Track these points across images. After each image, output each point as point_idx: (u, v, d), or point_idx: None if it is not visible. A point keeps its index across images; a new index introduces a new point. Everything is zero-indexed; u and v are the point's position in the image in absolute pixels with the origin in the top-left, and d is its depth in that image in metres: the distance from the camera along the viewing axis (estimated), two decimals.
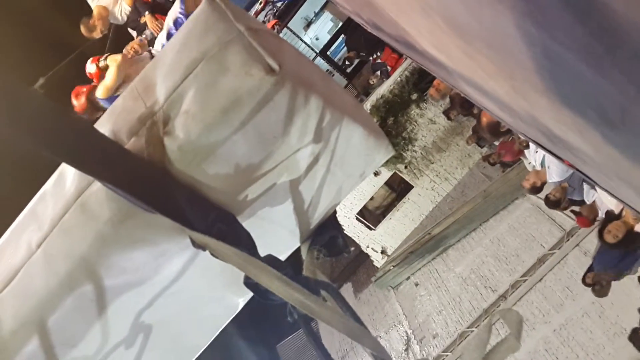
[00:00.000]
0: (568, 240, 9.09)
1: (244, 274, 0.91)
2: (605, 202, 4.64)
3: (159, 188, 0.86)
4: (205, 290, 1.16)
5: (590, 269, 5.27)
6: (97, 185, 0.88)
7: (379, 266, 12.82)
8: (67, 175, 0.94)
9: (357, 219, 12.60)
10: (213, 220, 0.92)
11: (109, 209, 0.86)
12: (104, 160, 0.84)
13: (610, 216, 4.36)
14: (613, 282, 6.27)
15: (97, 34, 4.91)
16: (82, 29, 4.85)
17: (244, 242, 0.94)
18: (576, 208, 5.62)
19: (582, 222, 5.36)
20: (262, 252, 0.98)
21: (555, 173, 5.14)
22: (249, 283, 0.92)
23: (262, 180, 0.98)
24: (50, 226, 0.91)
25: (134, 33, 5.46)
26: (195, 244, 0.92)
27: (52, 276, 0.89)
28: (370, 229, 12.72)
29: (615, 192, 1.43)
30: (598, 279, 5.03)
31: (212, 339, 1.33)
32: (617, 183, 1.22)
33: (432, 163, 12.04)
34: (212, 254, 0.91)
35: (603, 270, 4.77)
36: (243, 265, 0.89)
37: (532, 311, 8.99)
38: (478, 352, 0.87)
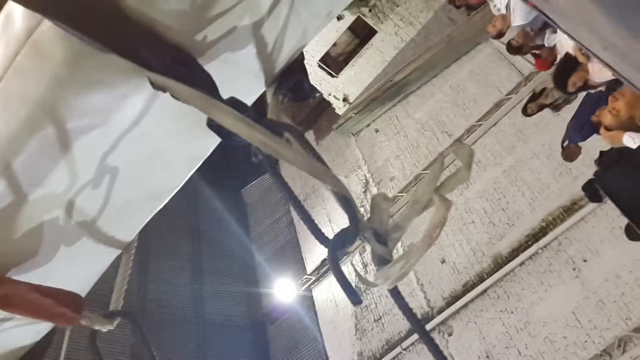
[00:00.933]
0: (525, 85, 9.29)
1: (207, 116, 0.92)
2: (565, 46, 4.68)
3: (110, 25, 0.82)
4: (172, 133, 1.16)
5: (532, 98, 5.47)
6: (47, 24, 0.82)
7: (340, 114, 12.96)
8: (15, 14, 0.87)
9: (320, 65, 12.40)
10: (171, 61, 0.90)
11: (62, 48, 0.82)
12: None
13: (569, 60, 4.42)
14: (563, 122, 6.61)
15: None
16: None
17: (205, 85, 0.93)
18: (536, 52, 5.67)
19: (540, 64, 5.45)
20: (226, 96, 0.97)
21: (519, 16, 5.09)
22: (212, 125, 0.93)
23: (222, 21, 0.94)
24: (3, 68, 0.87)
25: None
26: (154, 85, 0.90)
27: (12, 119, 0.88)
28: (333, 76, 12.61)
29: (575, 34, 1.44)
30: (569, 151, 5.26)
31: (184, 181, 1.37)
32: (577, 25, 1.23)
33: (397, 6, 11.62)
34: (172, 96, 0.90)
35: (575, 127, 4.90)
36: (205, 107, 0.88)
37: (484, 154, 9.46)
38: (430, 185, 0.93)
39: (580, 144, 4.88)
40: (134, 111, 0.98)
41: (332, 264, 0.94)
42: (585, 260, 7.38)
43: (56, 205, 1.06)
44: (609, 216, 7.08)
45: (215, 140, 1.22)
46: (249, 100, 1.18)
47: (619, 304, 6.77)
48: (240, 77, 1.11)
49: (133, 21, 0.83)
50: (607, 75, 4.02)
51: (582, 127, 4.35)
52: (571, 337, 7.06)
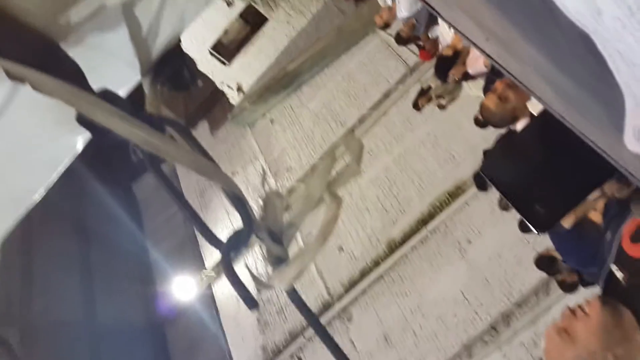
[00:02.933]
0: (411, 75, 9.70)
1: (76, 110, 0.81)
2: (446, 37, 4.94)
3: None
4: (35, 129, 1.03)
5: (421, 94, 5.75)
6: None
7: (234, 103, 12.74)
8: None
9: (211, 53, 12.07)
10: (29, 48, 0.79)
11: None
12: None
13: (451, 54, 4.65)
14: (446, 112, 6.96)
15: None
16: None
17: (71, 74, 0.82)
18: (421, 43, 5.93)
19: (424, 55, 5.71)
20: (97, 87, 0.87)
21: (404, 8, 5.28)
22: (82, 120, 0.83)
23: (87, 1, 0.84)
24: None
25: None
26: (10, 76, 0.78)
27: None
28: (225, 64, 12.33)
29: (457, 24, 1.48)
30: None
31: (52, 183, 1.23)
32: (459, 14, 1.26)
33: None
34: (33, 88, 0.79)
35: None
36: (72, 100, 0.78)
37: (376, 143, 9.77)
38: (322, 178, 0.90)
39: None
40: None
41: (226, 270, 0.90)
42: (470, 242, 7.89)
43: None
44: (488, 198, 7.61)
45: (86, 137, 1.10)
46: (123, 92, 1.08)
47: (501, 281, 7.33)
48: (112, 65, 1.00)
49: None
50: (482, 67, 4.29)
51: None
52: (461, 315, 7.54)
